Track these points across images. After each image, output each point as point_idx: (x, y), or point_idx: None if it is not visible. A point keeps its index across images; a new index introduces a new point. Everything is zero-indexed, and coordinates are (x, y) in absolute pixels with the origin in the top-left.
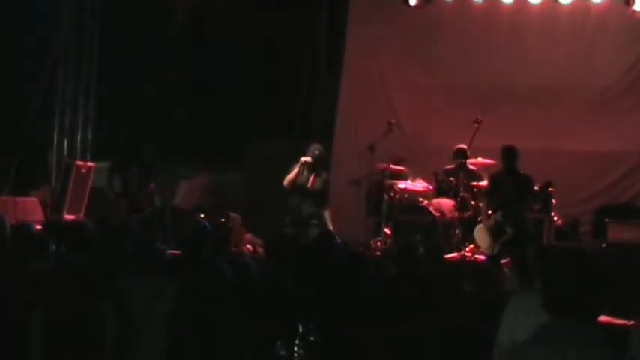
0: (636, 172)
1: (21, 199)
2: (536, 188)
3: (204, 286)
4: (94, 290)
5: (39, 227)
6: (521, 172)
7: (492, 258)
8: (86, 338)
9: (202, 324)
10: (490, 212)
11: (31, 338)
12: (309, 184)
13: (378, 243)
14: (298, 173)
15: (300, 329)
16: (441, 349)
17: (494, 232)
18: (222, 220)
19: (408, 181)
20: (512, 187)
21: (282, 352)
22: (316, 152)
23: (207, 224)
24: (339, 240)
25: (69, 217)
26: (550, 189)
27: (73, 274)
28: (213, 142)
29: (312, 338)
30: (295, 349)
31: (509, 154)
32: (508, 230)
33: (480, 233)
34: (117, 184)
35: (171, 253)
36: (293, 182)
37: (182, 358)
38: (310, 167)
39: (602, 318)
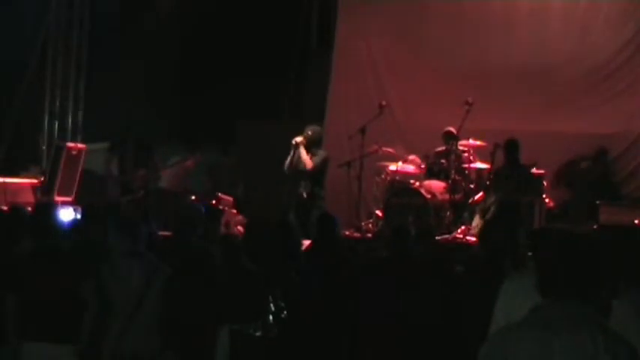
0: (629, 153)
1: (11, 181)
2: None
3: (195, 268)
4: (73, 272)
5: (29, 209)
6: (524, 167)
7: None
8: (64, 319)
9: (191, 306)
10: (481, 195)
11: (7, 318)
12: (308, 166)
13: (370, 225)
14: (294, 155)
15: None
16: (433, 329)
17: (485, 213)
18: (213, 201)
19: (399, 163)
20: (514, 183)
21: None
22: (309, 132)
23: (200, 206)
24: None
25: (60, 198)
26: (533, 168)
27: (53, 256)
28: (205, 123)
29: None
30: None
31: (510, 148)
32: (492, 208)
33: (476, 218)
34: (114, 165)
35: (162, 235)
36: (290, 165)
37: (173, 339)
38: (305, 148)
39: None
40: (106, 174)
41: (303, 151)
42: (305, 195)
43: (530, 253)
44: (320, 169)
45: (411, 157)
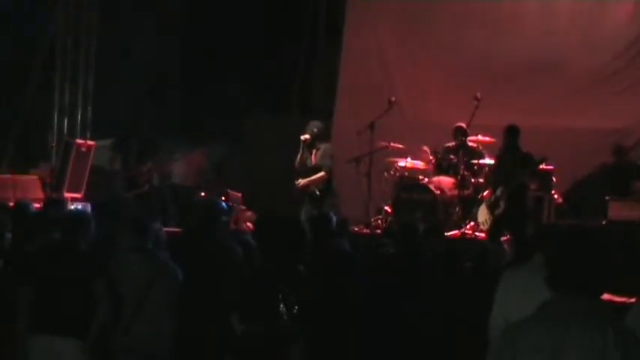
0: (634, 150)
1: (21, 178)
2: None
3: (220, 263)
4: (85, 269)
5: (37, 206)
6: (521, 150)
7: (488, 232)
8: (74, 316)
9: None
10: (489, 190)
11: (18, 313)
12: (312, 162)
13: (379, 221)
14: (301, 154)
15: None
16: (441, 325)
17: (493, 208)
18: (223, 198)
19: (408, 159)
20: (511, 164)
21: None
22: (315, 130)
23: (223, 203)
24: (333, 222)
25: (69, 195)
26: (543, 164)
27: (64, 253)
28: (211, 118)
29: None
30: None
31: (509, 133)
32: (501, 204)
33: (482, 210)
34: (118, 161)
35: (170, 232)
36: (300, 164)
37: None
38: (310, 144)
39: (604, 296)
40: (111, 170)
41: (307, 149)
42: (317, 192)
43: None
44: (322, 162)
45: (424, 147)
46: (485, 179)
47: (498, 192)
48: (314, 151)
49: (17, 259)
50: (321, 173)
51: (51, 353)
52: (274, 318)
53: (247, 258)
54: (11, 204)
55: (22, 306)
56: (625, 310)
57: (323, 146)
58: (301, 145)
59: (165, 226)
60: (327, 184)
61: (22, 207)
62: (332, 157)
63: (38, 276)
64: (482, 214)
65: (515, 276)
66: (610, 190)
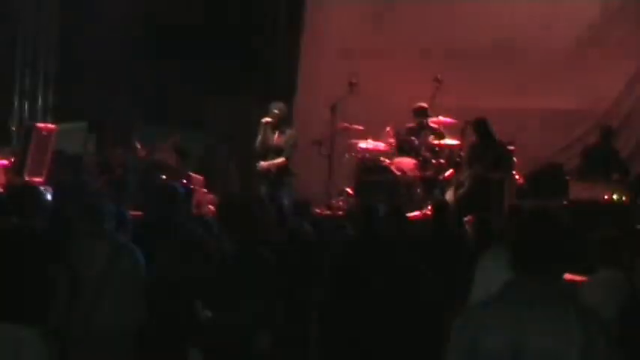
0: (595, 130)
1: None
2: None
3: (182, 248)
4: (40, 252)
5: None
6: (501, 145)
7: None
8: (33, 302)
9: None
10: (451, 171)
11: None
12: (274, 142)
13: (340, 203)
14: (263, 135)
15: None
16: (406, 307)
17: (458, 188)
18: (184, 181)
19: (369, 141)
20: (490, 158)
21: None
22: (276, 111)
23: (178, 185)
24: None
25: (30, 179)
26: (512, 147)
27: (18, 236)
28: (175, 102)
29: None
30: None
31: (479, 127)
32: (465, 185)
33: (448, 193)
34: (92, 145)
35: (132, 215)
36: (261, 145)
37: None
38: (273, 126)
39: (565, 276)
40: (83, 154)
41: (271, 130)
42: (274, 172)
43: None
44: (286, 147)
45: (387, 129)
46: (447, 160)
47: (466, 174)
48: (277, 133)
49: None
50: (282, 159)
51: (10, 341)
52: (240, 305)
53: (210, 241)
54: None
55: None
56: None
57: (288, 132)
58: (262, 127)
59: (138, 210)
60: (284, 166)
61: None
62: (294, 145)
63: None
64: (449, 194)
65: (493, 257)
66: (589, 174)
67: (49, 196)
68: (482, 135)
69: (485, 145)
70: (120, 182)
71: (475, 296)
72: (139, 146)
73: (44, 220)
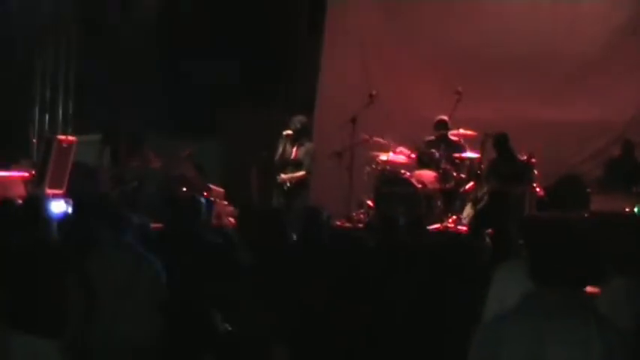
0: (617, 142)
1: (2, 175)
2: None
3: (204, 260)
4: (58, 265)
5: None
6: (520, 161)
7: (470, 226)
8: (49, 313)
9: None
10: (471, 184)
11: None
12: (292, 155)
13: (361, 215)
14: (283, 148)
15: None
16: (422, 319)
17: (477, 203)
18: (205, 193)
19: (390, 153)
20: (508, 175)
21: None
22: (298, 125)
23: (201, 198)
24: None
25: (51, 191)
26: (532, 159)
27: (37, 249)
28: (193, 112)
29: None
30: None
31: (499, 143)
32: (485, 199)
33: (467, 206)
34: (107, 157)
35: (153, 227)
36: (281, 157)
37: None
38: (293, 139)
39: (587, 289)
40: (98, 165)
41: (290, 143)
42: (288, 184)
43: (521, 242)
44: (304, 160)
45: (399, 148)
46: (467, 173)
47: (485, 188)
48: (297, 146)
49: None
50: (303, 172)
51: (28, 353)
52: (257, 317)
53: (230, 253)
54: None
55: None
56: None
57: (307, 145)
58: (283, 139)
59: (154, 222)
60: (302, 179)
61: (7, 205)
62: (313, 157)
63: (11, 275)
64: (467, 209)
65: (509, 270)
66: (610, 186)
67: (69, 208)
68: (501, 150)
69: (503, 160)
70: (134, 194)
71: (489, 309)
72: (153, 157)
73: (59, 230)
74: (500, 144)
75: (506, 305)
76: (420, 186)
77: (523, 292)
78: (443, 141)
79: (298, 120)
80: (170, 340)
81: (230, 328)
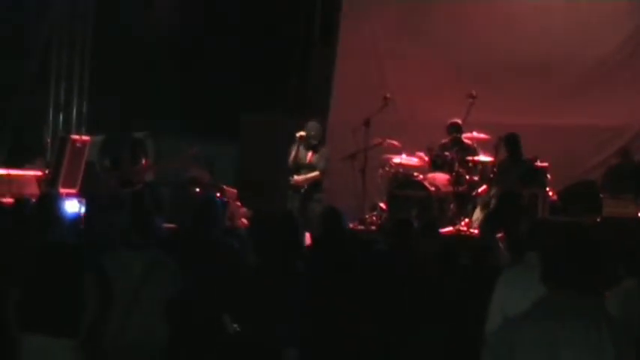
0: (632, 146)
1: (16, 173)
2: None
3: (216, 260)
4: (74, 264)
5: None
6: (527, 160)
7: (479, 228)
8: (64, 312)
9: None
10: (484, 187)
11: (9, 310)
12: (307, 159)
13: (374, 218)
14: (297, 150)
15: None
16: (436, 323)
17: (486, 207)
18: (218, 194)
19: (403, 156)
20: (516, 175)
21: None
22: (312, 132)
23: (217, 199)
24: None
25: (64, 190)
26: (537, 162)
27: (55, 248)
28: (208, 116)
29: None
30: None
31: (510, 142)
32: (494, 201)
33: (477, 209)
34: (107, 158)
35: (167, 228)
36: (294, 160)
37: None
38: (307, 143)
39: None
40: (100, 167)
41: (304, 148)
42: (305, 187)
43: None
44: (319, 163)
45: (418, 153)
46: (480, 176)
47: (493, 191)
48: (311, 151)
49: (7, 258)
50: (316, 173)
51: (43, 353)
52: (269, 320)
53: (242, 255)
54: (5, 200)
55: (11, 306)
56: None
57: (322, 149)
58: (296, 142)
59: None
60: (316, 181)
61: (22, 204)
62: (328, 160)
63: (26, 275)
64: (477, 212)
65: (515, 273)
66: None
67: (83, 207)
68: (511, 151)
69: (512, 161)
70: (140, 195)
71: (493, 314)
72: (148, 168)
73: (73, 231)
74: (510, 143)
75: (510, 308)
76: (432, 189)
77: (526, 297)
78: (456, 144)
79: (313, 127)
80: (181, 340)
81: (239, 329)
